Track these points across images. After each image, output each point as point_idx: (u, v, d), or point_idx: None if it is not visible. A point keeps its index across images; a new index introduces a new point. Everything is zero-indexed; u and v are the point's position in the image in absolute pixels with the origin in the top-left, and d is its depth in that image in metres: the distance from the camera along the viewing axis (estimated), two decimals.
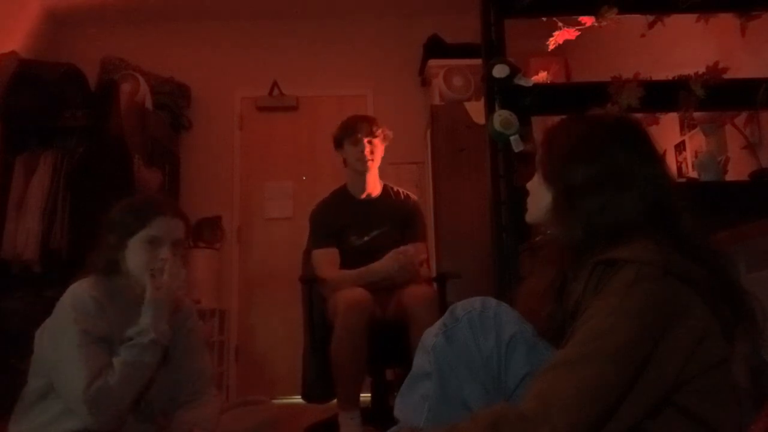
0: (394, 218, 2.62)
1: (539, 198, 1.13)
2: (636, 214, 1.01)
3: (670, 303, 0.90)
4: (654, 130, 1.86)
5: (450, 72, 4.08)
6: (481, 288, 1.78)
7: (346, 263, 2.52)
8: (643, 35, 2.24)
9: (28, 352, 1.57)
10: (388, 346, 2.35)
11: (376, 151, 2.61)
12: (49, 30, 4.34)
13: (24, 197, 3.47)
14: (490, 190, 2.09)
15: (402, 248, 2.46)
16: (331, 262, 2.54)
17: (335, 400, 2.30)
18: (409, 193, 2.78)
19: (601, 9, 2.15)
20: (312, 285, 2.58)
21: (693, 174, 2.66)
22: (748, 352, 0.95)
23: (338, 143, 2.68)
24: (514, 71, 2.12)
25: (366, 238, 2.58)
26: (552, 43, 2.24)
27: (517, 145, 2.06)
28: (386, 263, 2.44)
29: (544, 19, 2.23)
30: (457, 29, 4.18)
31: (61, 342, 1.49)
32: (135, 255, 1.58)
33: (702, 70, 2.13)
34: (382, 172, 2.73)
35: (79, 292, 1.53)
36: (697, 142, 2.79)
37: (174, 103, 4.37)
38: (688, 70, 2.14)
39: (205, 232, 4.25)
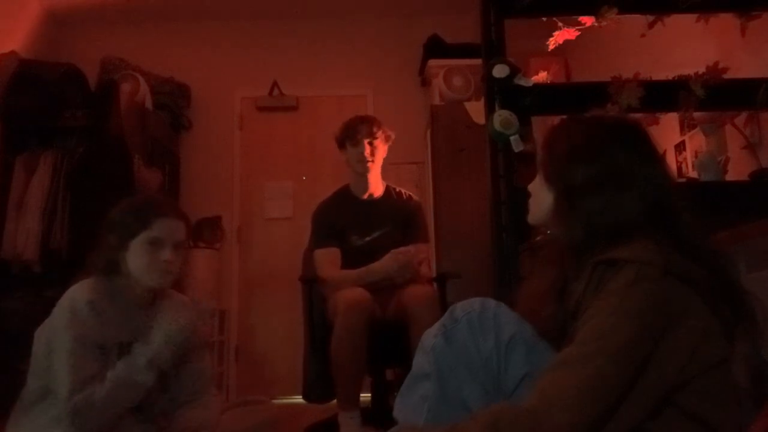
0: (395, 219, 2.62)
1: (541, 199, 1.13)
2: (636, 214, 1.01)
3: (670, 303, 0.90)
4: (654, 130, 1.86)
5: (450, 72, 4.08)
6: (481, 288, 1.78)
7: (347, 263, 2.52)
8: (643, 35, 2.24)
9: (28, 352, 1.57)
10: (388, 346, 2.35)
11: (376, 152, 2.61)
12: (49, 30, 4.34)
13: (24, 197, 3.47)
14: (490, 190, 2.09)
15: (402, 248, 2.46)
16: (332, 261, 2.54)
17: (335, 400, 2.30)
18: (411, 193, 2.78)
19: (601, 9, 2.15)
20: (312, 285, 2.58)
21: (693, 174, 2.66)
22: (748, 352, 0.95)
23: (340, 144, 2.68)
24: (514, 71, 2.12)
25: (367, 239, 2.58)
26: (552, 43, 2.24)
27: (517, 145, 2.06)
28: (385, 263, 2.44)
29: (544, 19, 2.23)
30: (457, 29, 4.19)
31: (54, 345, 1.49)
32: (136, 256, 1.58)
33: (702, 70, 2.13)
34: (383, 172, 2.73)
35: (77, 295, 1.52)
36: (697, 142, 2.79)
37: (174, 103, 4.37)
38: (688, 70, 2.14)
39: (205, 232, 4.24)
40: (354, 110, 3.33)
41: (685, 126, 2.89)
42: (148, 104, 4.07)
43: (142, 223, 1.58)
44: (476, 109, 3.62)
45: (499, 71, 2.11)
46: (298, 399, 2.67)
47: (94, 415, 1.42)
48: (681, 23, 2.25)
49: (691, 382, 0.90)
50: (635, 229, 1.00)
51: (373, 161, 2.60)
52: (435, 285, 2.69)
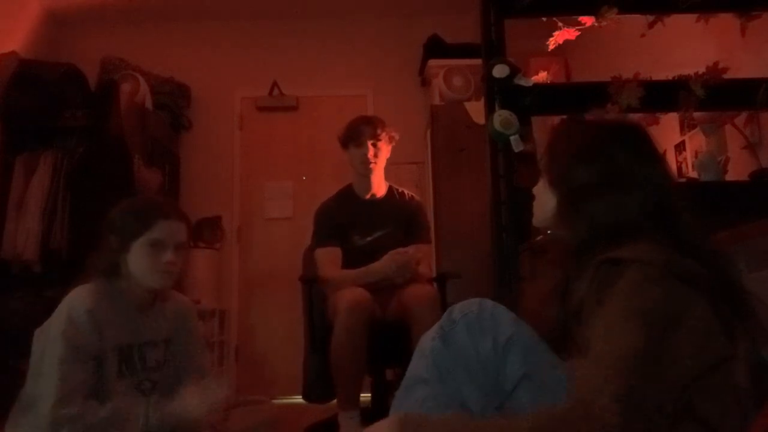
0: (397, 219, 2.62)
1: (545, 202, 1.14)
2: (637, 214, 1.02)
3: (671, 303, 0.90)
4: (654, 130, 1.86)
5: (450, 72, 4.08)
6: (481, 288, 1.77)
7: (348, 263, 2.52)
8: (643, 35, 2.24)
9: (28, 352, 1.57)
10: (388, 346, 2.35)
11: (380, 153, 2.60)
12: (49, 30, 4.34)
13: (24, 197, 3.47)
14: (490, 190, 2.09)
15: (400, 249, 2.46)
16: (333, 261, 2.54)
17: (335, 400, 2.30)
18: (413, 194, 2.78)
19: (601, 9, 2.15)
20: (312, 285, 2.58)
21: (693, 174, 2.66)
22: (749, 352, 0.95)
23: (344, 144, 2.67)
24: (514, 71, 2.11)
25: (369, 239, 2.58)
26: (552, 43, 2.23)
27: (517, 145, 2.06)
28: (384, 263, 2.44)
29: (544, 19, 2.23)
30: (457, 29, 4.19)
31: (47, 351, 1.48)
32: (137, 258, 1.57)
33: (702, 70, 2.13)
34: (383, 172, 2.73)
35: (76, 303, 1.51)
36: (697, 142, 2.79)
37: (174, 103, 4.37)
38: (688, 70, 2.14)
39: (205, 232, 4.25)
40: (354, 110, 3.33)
41: (685, 126, 2.89)
42: (148, 104, 4.07)
43: (143, 224, 1.57)
44: (476, 109, 3.62)
45: (499, 71, 2.10)
46: (298, 399, 2.67)
47: None
48: (681, 23, 2.25)
49: (691, 382, 0.90)
50: (636, 229, 1.00)
51: (375, 163, 2.60)
52: (435, 285, 2.69)
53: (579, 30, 2.20)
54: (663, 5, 2.18)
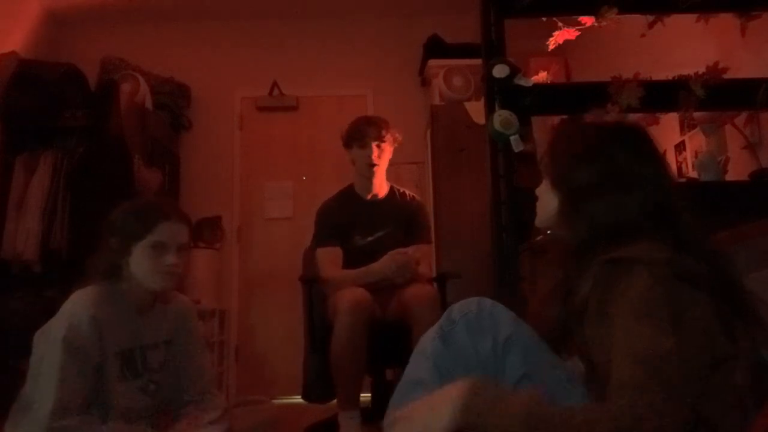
0: (398, 219, 2.62)
1: (547, 203, 1.14)
2: (637, 214, 1.02)
3: (673, 303, 0.90)
4: (654, 130, 1.85)
5: (450, 72, 4.08)
6: (481, 288, 1.77)
7: (349, 263, 2.52)
8: (643, 35, 2.24)
9: (28, 352, 1.56)
10: (388, 346, 2.35)
11: (383, 155, 2.60)
12: (49, 30, 4.34)
13: (24, 197, 3.47)
14: (490, 190, 2.09)
15: (400, 249, 2.46)
16: (333, 261, 2.54)
17: (335, 400, 2.30)
18: (414, 195, 2.78)
19: (601, 9, 2.15)
20: (312, 285, 2.58)
21: (693, 174, 2.66)
22: (749, 352, 0.95)
23: (346, 144, 2.66)
24: (514, 71, 2.11)
25: (370, 239, 2.58)
26: (552, 43, 2.23)
27: (517, 145, 2.06)
28: (384, 263, 2.44)
29: (544, 19, 2.23)
30: (457, 29, 4.18)
31: (46, 355, 1.47)
32: (139, 260, 1.57)
33: (702, 70, 2.13)
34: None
35: (79, 309, 1.50)
36: (697, 142, 2.79)
37: (174, 103, 4.37)
38: (688, 70, 2.14)
39: (205, 232, 4.24)
40: (354, 110, 3.33)
41: (685, 126, 2.89)
42: (148, 104, 4.07)
43: (145, 227, 1.57)
44: (476, 109, 3.62)
45: (499, 71, 2.10)
46: (298, 399, 2.67)
47: None
48: (681, 23, 2.25)
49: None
50: (637, 229, 1.01)
51: (379, 164, 2.60)
52: (435, 285, 2.69)
53: (579, 30, 2.20)
54: (663, 5, 2.18)
